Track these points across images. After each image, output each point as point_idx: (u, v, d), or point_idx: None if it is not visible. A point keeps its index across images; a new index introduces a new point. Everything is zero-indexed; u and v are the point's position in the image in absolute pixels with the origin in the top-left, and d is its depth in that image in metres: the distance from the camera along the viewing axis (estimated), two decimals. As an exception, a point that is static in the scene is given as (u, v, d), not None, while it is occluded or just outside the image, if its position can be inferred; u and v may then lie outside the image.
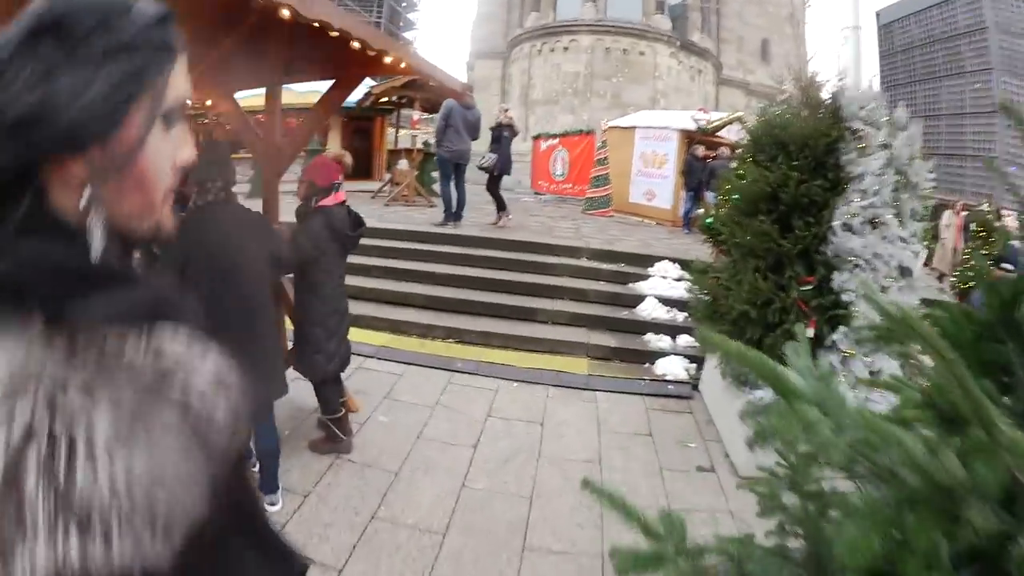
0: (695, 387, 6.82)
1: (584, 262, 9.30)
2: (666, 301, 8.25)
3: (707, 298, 5.75)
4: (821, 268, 4.82)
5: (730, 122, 16.08)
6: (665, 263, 9.13)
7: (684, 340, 7.62)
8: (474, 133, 10.47)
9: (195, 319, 0.73)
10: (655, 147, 16.27)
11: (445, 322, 7.82)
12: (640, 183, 16.72)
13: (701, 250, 10.28)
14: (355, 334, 5.27)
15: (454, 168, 10.38)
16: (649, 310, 8.12)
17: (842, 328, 4.71)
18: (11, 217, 0.63)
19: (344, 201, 4.51)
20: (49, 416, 0.54)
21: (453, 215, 10.56)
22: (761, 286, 4.86)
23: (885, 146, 4.79)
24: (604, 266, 9.17)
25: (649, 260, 9.27)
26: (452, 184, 10.48)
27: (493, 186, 11.11)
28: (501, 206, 11.04)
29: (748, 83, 30.98)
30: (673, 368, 7.05)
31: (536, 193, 20.66)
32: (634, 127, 17.08)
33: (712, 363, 5.94)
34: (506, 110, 11.39)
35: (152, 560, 0.56)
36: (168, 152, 0.76)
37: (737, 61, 31.41)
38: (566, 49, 25.34)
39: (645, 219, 16.06)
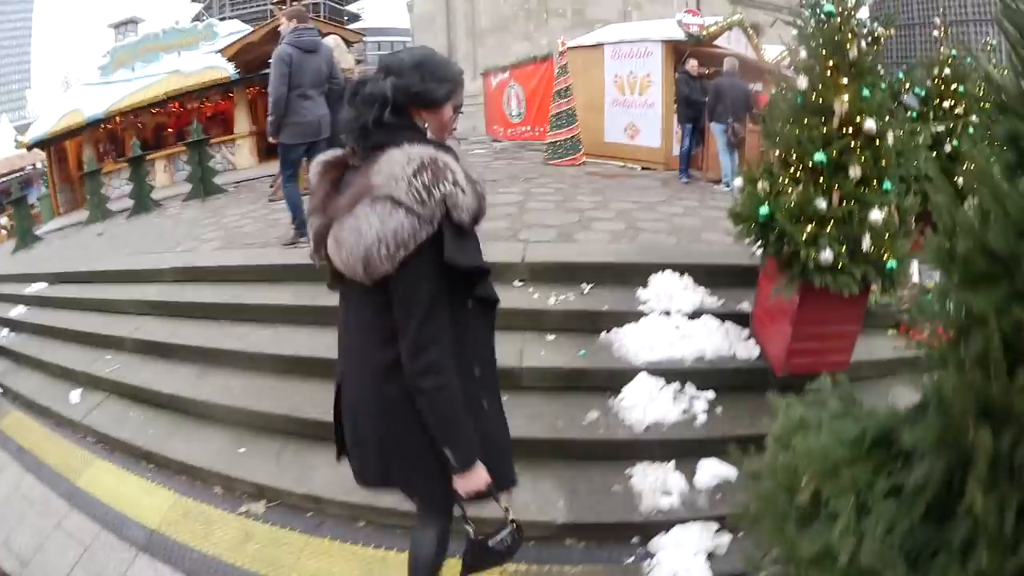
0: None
1: (517, 290, 5.10)
2: (674, 373, 4.19)
3: None
4: None
5: (730, 27, 11.98)
6: (667, 276, 4.94)
7: (709, 472, 3.72)
8: (328, 84, 6.38)
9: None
10: (633, 67, 12.04)
11: (251, 468, 4.16)
12: (617, 116, 12.53)
13: (719, 221, 6.39)
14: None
15: (305, 153, 6.28)
16: (642, 407, 3.98)
17: None
18: (389, 122, 1.98)
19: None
20: (444, 159, 1.93)
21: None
22: None
23: None
24: (555, 298, 4.92)
25: (638, 272, 5.05)
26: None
27: None
28: None
29: (735, -10, 26.03)
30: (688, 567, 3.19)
31: (492, 140, 17.03)
32: (601, 44, 12.77)
33: None
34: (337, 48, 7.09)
35: (475, 216, 2.06)
36: (450, 120, 2.14)
37: (722, -35, 26.16)
38: (515, -36, 20.55)
39: (628, 163, 12.04)
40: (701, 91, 10.18)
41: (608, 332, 4.59)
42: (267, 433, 4.37)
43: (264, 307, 5.40)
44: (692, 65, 10.42)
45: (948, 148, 5.61)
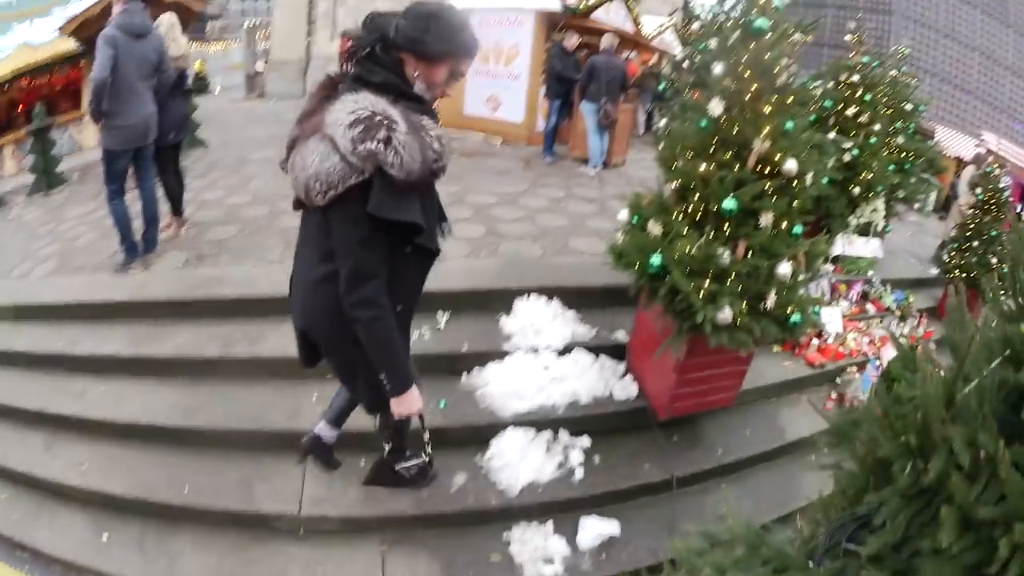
0: None
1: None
2: (546, 422, 3.92)
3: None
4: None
5: (609, -1, 11.31)
6: (533, 303, 4.60)
7: (591, 532, 3.56)
8: (158, 76, 5.46)
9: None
10: (501, 36, 11.44)
11: (118, 560, 3.64)
12: (479, 87, 11.85)
13: (587, 220, 6.62)
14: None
15: (132, 158, 5.46)
16: (513, 467, 3.68)
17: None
18: (376, 57, 2.12)
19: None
20: (386, 116, 2.02)
21: (140, 245, 5.67)
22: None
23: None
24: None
25: (501, 298, 4.67)
26: (140, 183, 5.67)
27: (165, 166, 6.08)
28: (173, 202, 6.28)
29: (623, -43, 25.42)
30: None
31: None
32: (470, 9, 12.00)
33: None
34: (159, 26, 5.93)
35: (411, 175, 2.06)
36: (444, 80, 2.23)
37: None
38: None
39: (489, 137, 11.52)
40: (574, 67, 9.75)
41: (470, 375, 4.20)
42: (126, 515, 3.87)
43: (97, 359, 4.71)
44: (572, 42, 9.92)
45: (847, 157, 5.53)
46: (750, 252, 3.36)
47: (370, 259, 2.14)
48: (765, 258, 3.33)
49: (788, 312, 3.38)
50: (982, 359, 1.52)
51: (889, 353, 5.14)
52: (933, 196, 10.00)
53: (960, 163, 18.32)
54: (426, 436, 2.86)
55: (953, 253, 6.73)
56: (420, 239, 2.26)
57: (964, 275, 6.47)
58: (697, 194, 3.42)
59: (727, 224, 3.34)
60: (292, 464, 3.79)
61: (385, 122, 1.99)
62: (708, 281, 3.25)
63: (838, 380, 5.02)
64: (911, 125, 6.99)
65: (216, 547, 3.57)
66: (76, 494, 4.03)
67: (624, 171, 9.91)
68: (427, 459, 2.97)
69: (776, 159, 3.29)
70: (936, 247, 7.74)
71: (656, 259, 3.36)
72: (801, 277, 3.50)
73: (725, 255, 3.28)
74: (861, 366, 5.15)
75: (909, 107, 6.93)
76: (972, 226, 6.61)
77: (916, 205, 7.17)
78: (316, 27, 22.57)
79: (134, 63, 5.16)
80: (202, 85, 27.52)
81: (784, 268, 3.30)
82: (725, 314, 3.18)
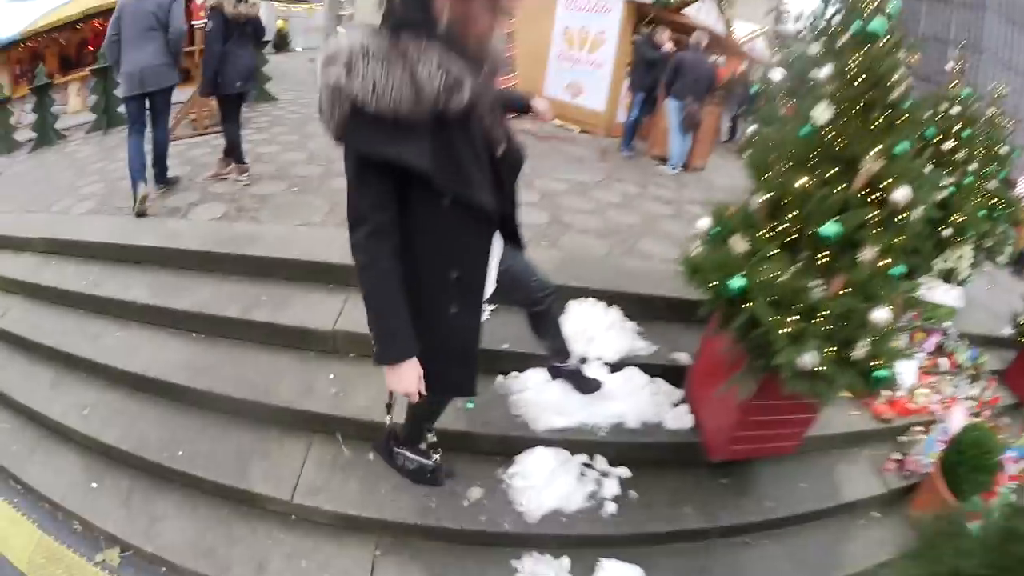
0: None
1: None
2: (584, 444, 3.45)
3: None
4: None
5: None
6: (590, 307, 4.12)
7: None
8: (160, 27, 5.76)
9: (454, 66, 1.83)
10: (587, 21, 10.97)
11: (103, 510, 3.49)
12: (562, 71, 11.46)
13: (661, 222, 6.08)
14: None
15: (140, 101, 5.88)
16: (538, 491, 3.20)
17: None
18: None
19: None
20: (355, 46, 1.78)
21: (159, 180, 6.28)
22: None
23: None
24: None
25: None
26: (147, 126, 6.06)
27: (229, 114, 6.43)
28: (232, 150, 6.48)
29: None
30: None
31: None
32: (561, -11, 11.61)
33: None
34: None
35: (397, 107, 1.77)
36: (488, 18, 1.89)
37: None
38: None
39: (567, 124, 11.05)
40: (662, 62, 9.15)
41: (507, 377, 3.73)
42: (117, 466, 3.70)
43: (117, 302, 4.53)
44: (663, 37, 9.38)
45: (939, 196, 4.93)
46: (845, 290, 2.81)
47: (360, 201, 1.95)
48: (861, 299, 2.78)
49: (875, 365, 2.81)
50: None
51: (957, 418, 4.56)
52: (1010, 248, 9.38)
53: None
54: (430, 438, 2.84)
55: (1029, 316, 6.05)
56: (449, 189, 1.96)
57: (1038, 340, 5.83)
58: (792, 211, 2.88)
59: (824, 252, 2.82)
60: (295, 443, 3.50)
61: (348, 51, 1.81)
62: (794, 318, 2.72)
63: (900, 439, 4.47)
64: (1004, 171, 6.39)
65: (201, 517, 3.34)
66: (74, 436, 3.91)
67: (704, 176, 9.38)
68: (431, 464, 2.88)
69: (889, 183, 2.75)
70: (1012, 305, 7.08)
71: (738, 282, 2.84)
72: (896, 327, 2.93)
73: (819, 291, 2.75)
74: (927, 425, 4.58)
75: (1004, 151, 6.34)
76: (1051, 287, 5.95)
77: (999, 257, 6.52)
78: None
79: (134, 20, 5.65)
80: (283, 43, 27.91)
81: (882, 314, 2.73)
82: (810, 359, 2.64)
